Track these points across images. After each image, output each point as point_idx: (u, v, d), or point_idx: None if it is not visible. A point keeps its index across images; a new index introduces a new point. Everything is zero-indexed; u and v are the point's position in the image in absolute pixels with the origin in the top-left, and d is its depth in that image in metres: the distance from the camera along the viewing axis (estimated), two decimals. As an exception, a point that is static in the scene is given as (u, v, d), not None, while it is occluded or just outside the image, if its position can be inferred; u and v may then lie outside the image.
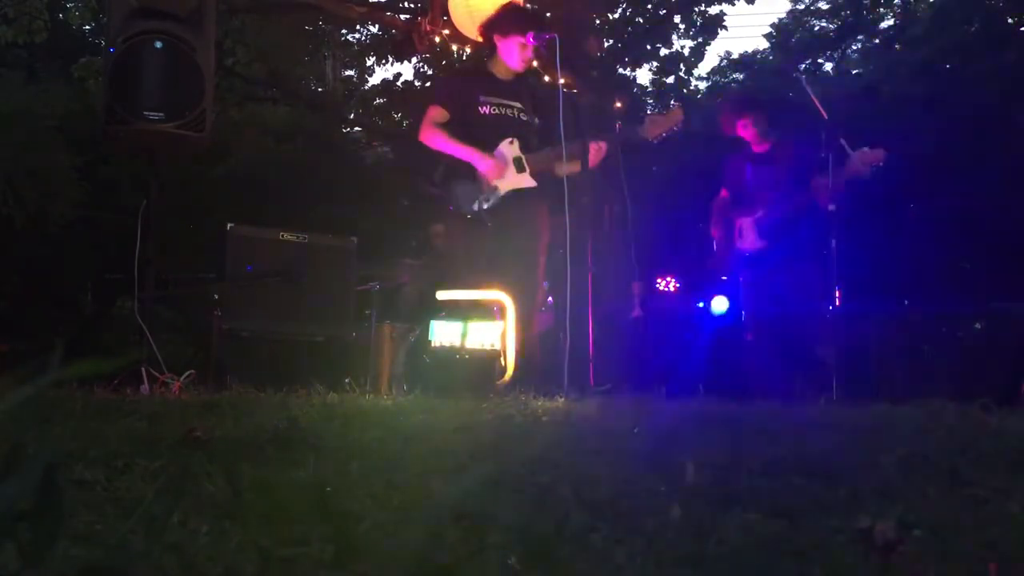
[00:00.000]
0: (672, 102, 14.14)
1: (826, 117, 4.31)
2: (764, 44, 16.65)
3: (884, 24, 14.27)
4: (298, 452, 1.77)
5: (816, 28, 15.61)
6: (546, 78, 5.04)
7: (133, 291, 3.87)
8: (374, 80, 13.19)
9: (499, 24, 4.17)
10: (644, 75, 16.43)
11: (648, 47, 11.40)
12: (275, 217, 5.70)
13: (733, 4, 10.98)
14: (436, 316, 3.90)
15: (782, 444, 1.81)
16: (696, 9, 11.26)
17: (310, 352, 4.82)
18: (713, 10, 11.31)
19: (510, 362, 3.73)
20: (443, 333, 3.79)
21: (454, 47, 7.45)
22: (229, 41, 8.86)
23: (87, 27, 10.30)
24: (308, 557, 0.89)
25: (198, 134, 3.84)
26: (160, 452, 1.74)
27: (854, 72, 13.84)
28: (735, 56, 16.83)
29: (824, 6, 15.48)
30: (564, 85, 4.09)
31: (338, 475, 1.57)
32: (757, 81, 14.78)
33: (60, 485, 0.79)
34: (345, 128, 11.86)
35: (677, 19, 11.29)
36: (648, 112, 4.38)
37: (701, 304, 6.64)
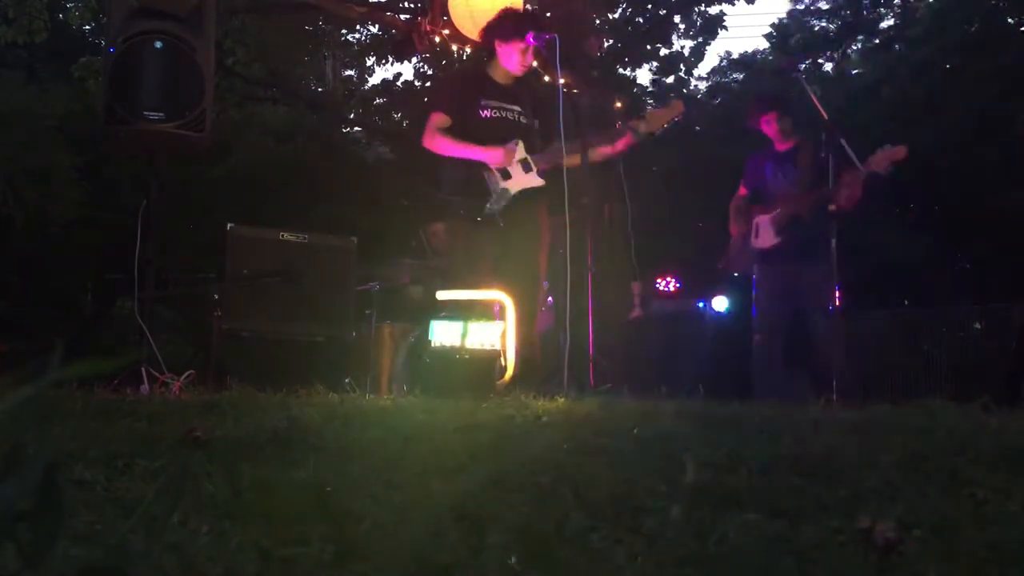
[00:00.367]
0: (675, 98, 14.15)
1: (826, 117, 4.31)
2: (764, 44, 16.66)
3: (884, 24, 14.28)
4: (298, 452, 1.77)
5: (816, 28, 15.61)
6: (546, 78, 5.04)
7: (133, 291, 3.87)
8: (374, 80, 13.22)
9: (499, 29, 4.18)
10: (644, 75, 16.44)
11: (648, 47, 11.40)
12: (275, 217, 5.71)
13: (733, 4, 11.01)
14: (436, 316, 3.90)
15: (782, 444, 1.81)
16: (696, 9, 11.27)
17: (310, 352, 4.82)
18: (713, 10, 11.34)
19: (510, 362, 3.73)
20: (443, 333, 3.79)
21: (454, 47, 7.45)
22: (229, 41, 8.86)
23: (87, 27, 10.31)
24: (308, 557, 0.89)
25: (198, 134, 3.84)
26: (160, 452, 1.74)
27: (854, 72, 13.84)
28: (735, 56, 16.85)
29: (824, 6, 15.48)
30: (564, 85, 4.09)
31: (338, 475, 1.57)
32: (757, 81, 14.79)
33: (60, 485, 0.79)
34: (345, 128, 11.86)
35: (677, 19, 11.30)
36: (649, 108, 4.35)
37: (701, 304, 6.65)
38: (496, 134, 4.05)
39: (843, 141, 4.18)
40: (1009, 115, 8.12)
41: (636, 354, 5.89)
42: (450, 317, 3.82)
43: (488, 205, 3.97)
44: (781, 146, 4.70)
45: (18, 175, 5.31)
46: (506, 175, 4.01)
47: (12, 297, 6.30)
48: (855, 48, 15.09)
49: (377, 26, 10.65)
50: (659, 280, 6.99)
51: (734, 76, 16.59)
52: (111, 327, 6.83)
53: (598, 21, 8.73)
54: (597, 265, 4.10)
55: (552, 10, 6.99)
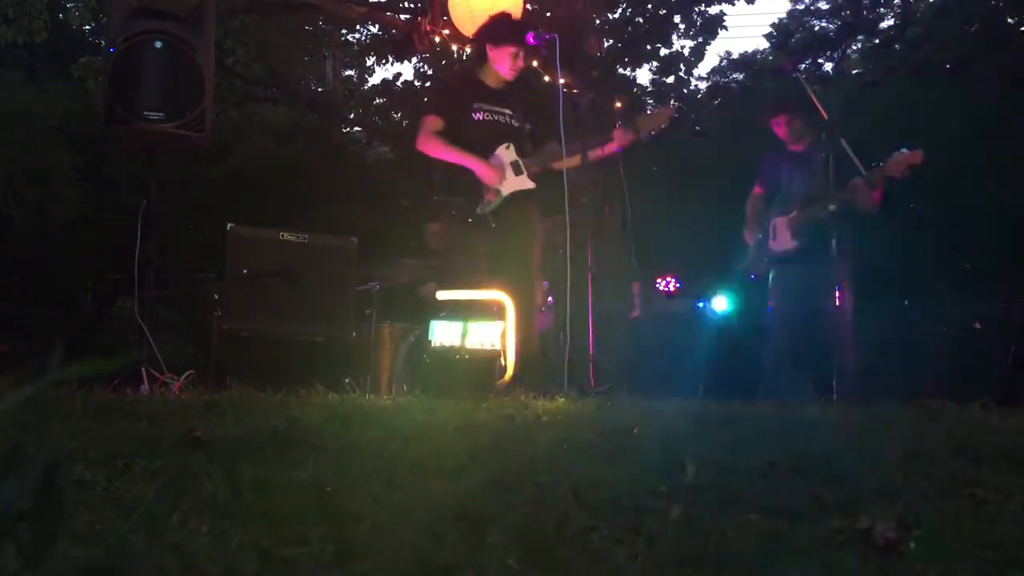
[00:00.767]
0: (672, 101, 14.15)
1: (826, 117, 4.31)
2: (764, 44, 16.65)
3: (884, 24, 14.28)
4: (298, 452, 1.77)
5: (816, 28, 15.61)
6: (546, 78, 5.04)
7: (133, 291, 3.87)
8: (374, 80, 13.21)
9: (491, 33, 4.23)
10: (644, 75, 16.44)
11: (648, 47, 11.40)
12: (275, 217, 5.71)
13: (733, 4, 11.00)
14: (436, 316, 3.90)
15: (782, 444, 1.81)
16: (696, 9, 11.26)
17: (310, 352, 4.82)
18: (713, 10, 11.33)
19: (510, 362, 3.74)
20: (443, 333, 3.80)
21: (454, 47, 7.45)
22: (229, 41, 8.85)
23: (87, 27, 10.29)
24: (308, 557, 0.89)
25: (198, 134, 3.84)
26: (160, 452, 1.74)
27: (854, 72, 13.84)
28: (735, 56, 16.84)
29: (824, 6, 15.47)
30: (564, 85, 4.10)
31: (338, 475, 1.57)
32: (757, 81, 14.79)
33: (60, 485, 0.79)
34: (345, 128, 11.85)
35: (677, 19, 11.30)
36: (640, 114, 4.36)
37: (702, 304, 6.64)
38: (488, 137, 4.09)
39: (843, 141, 4.17)
40: (1009, 115, 8.12)
41: (636, 354, 5.88)
42: (450, 317, 3.83)
43: (480, 206, 4.00)
44: (795, 147, 4.70)
45: (18, 175, 5.30)
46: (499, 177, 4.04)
47: (12, 297, 6.30)
48: (855, 48, 15.09)
49: (377, 26, 10.65)
50: (659, 280, 6.98)
51: (734, 76, 16.58)
52: (111, 327, 6.83)
53: (598, 21, 8.73)
54: (597, 265, 4.11)
55: (552, 10, 6.99)
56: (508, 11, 4.62)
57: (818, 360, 4.39)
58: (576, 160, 4.06)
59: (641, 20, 10.46)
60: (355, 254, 5.01)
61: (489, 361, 3.72)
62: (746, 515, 1.31)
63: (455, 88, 4.36)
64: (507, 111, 4.20)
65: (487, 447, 1.84)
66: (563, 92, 4.07)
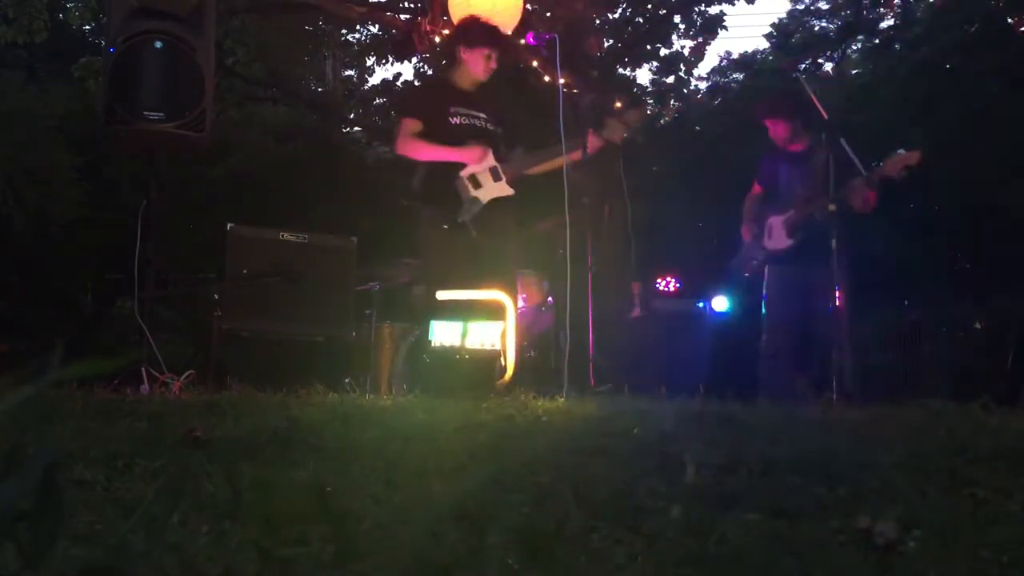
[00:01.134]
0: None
1: (826, 117, 4.30)
2: (764, 44, 16.65)
3: (884, 24, 14.27)
4: (298, 452, 1.77)
5: (816, 28, 15.60)
6: (546, 78, 5.05)
7: (133, 291, 3.87)
8: (374, 80, 13.20)
9: (465, 35, 4.28)
10: (644, 75, 16.43)
11: (648, 47, 11.39)
12: (275, 217, 5.71)
13: (733, 4, 10.98)
14: (436, 316, 3.90)
15: (782, 444, 1.81)
16: (696, 9, 11.25)
17: (310, 352, 4.82)
18: (713, 10, 11.31)
19: (510, 362, 3.74)
20: (443, 333, 3.80)
21: (454, 47, 7.44)
22: (229, 41, 8.85)
23: (87, 27, 10.29)
24: (308, 557, 0.89)
25: (198, 134, 3.84)
26: (160, 452, 1.74)
27: (854, 72, 13.84)
28: (735, 56, 16.84)
29: (824, 6, 15.46)
30: (564, 85, 4.11)
31: (338, 475, 1.57)
32: (757, 81, 14.78)
33: (60, 485, 0.79)
34: (345, 128, 11.85)
35: (677, 19, 11.29)
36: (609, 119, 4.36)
37: (702, 304, 6.64)
38: (464, 141, 4.11)
39: (843, 141, 4.17)
40: (1009, 115, 8.11)
41: (636, 354, 5.88)
42: (450, 317, 3.83)
43: (460, 214, 4.01)
44: (794, 147, 4.70)
45: (18, 175, 5.30)
46: (476, 184, 4.06)
47: (12, 297, 6.30)
48: (855, 48, 15.08)
49: (377, 26, 10.64)
50: (659, 280, 6.98)
51: (734, 76, 16.57)
52: (111, 327, 6.83)
53: (598, 21, 8.72)
54: (597, 265, 4.11)
55: (552, 10, 6.99)
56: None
57: (812, 360, 4.39)
58: (551, 165, 4.10)
59: (641, 20, 10.45)
60: (355, 254, 5.01)
61: (489, 361, 3.72)
62: (746, 515, 1.31)
63: (431, 92, 4.37)
64: (482, 115, 4.22)
65: (487, 447, 1.84)
66: (563, 92, 4.08)
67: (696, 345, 6.20)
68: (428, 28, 6.48)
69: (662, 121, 13.34)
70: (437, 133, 4.09)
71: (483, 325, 3.77)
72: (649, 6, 10.21)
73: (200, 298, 5.38)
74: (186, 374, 3.61)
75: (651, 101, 13.36)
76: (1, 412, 0.74)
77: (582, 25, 7.32)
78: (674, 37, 11.62)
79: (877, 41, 14.05)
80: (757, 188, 4.88)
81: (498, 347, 3.74)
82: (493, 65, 4.22)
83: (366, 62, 12.61)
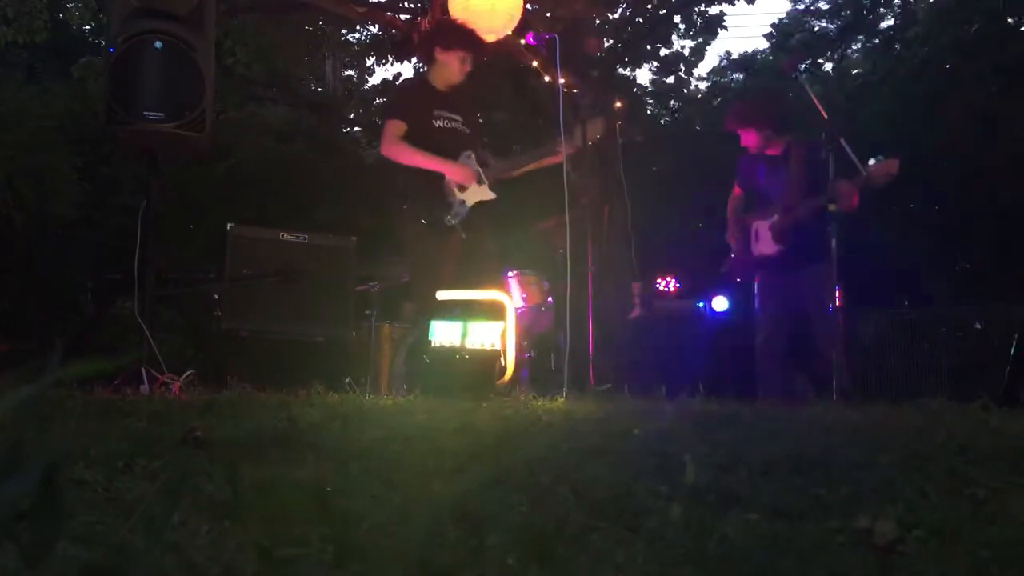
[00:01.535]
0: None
1: (826, 117, 4.30)
2: (764, 44, 16.66)
3: (884, 24, 14.28)
4: (298, 452, 1.77)
5: (816, 28, 15.60)
6: (546, 78, 5.05)
7: (133, 291, 3.87)
8: (374, 80, 13.21)
9: (442, 36, 4.28)
10: (644, 75, 16.44)
11: (648, 47, 11.39)
12: (275, 217, 5.71)
13: (733, 4, 10.97)
14: (436, 316, 3.90)
15: (782, 444, 1.81)
16: (696, 9, 11.25)
17: (310, 352, 4.82)
18: (713, 10, 11.31)
19: (510, 362, 3.74)
20: (443, 333, 3.80)
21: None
22: (229, 41, 8.85)
23: (87, 27, 10.30)
24: (308, 557, 0.89)
25: (198, 134, 3.84)
26: (160, 452, 1.74)
27: (854, 72, 13.84)
28: (735, 56, 16.85)
29: (824, 6, 15.47)
30: (564, 85, 4.11)
31: (338, 475, 1.57)
32: (757, 81, 14.78)
33: (60, 485, 0.79)
34: (345, 128, 11.85)
35: (677, 19, 11.28)
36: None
37: (702, 304, 6.65)
38: (448, 144, 4.13)
39: (843, 141, 4.16)
40: (1009, 115, 8.11)
41: (636, 354, 5.88)
42: (450, 317, 3.83)
43: (448, 218, 4.02)
44: (771, 150, 4.68)
45: (18, 175, 5.30)
46: (462, 188, 4.06)
47: (12, 297, 6.29)
48: (855, 48, 15.09)
49: (377, 26, 10.64)
50: (659, 280, 6.98)
51: (734, 76, 16.59)
52: (111, 327, 6.82)
53: (598, 21, 8.71)
54: (597, 265, 4.12)
55: (552, 10, 6.99)
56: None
57: (809, 362, 4.39)
58: (527, 169, 4.19)
59: (641, 20, 10.44)
60: (355, 254, 5.02)
61: (489, 361, 3.72)
62: (746, 515, 1.31)
63: (416, 94, 4.35)
64: (458, 117, 4.23)
65: (487, 447, 1.84)
66: (563, 92, 4.08)
67: (696, 345, 6.20)
68: (428, 28, 6.48)
69: (662, 121, 13.35)
70: (421, 135, 4.08)
71: (483, 325, 3.77)
72: (649, 6, 10.20)
73: (200, 298, 5.38)
74: (186, 374, 3.61)
75: (651, 101, 13.37)
76: (1, 412, 0.74)
77: (582, 25, 7.31)
78: (674, 37, 11.63)
79: (877, 41, 14.05)
80: (737, 190, 4.85)
81: (498, 347, 3.74)
82: (468, 68, 4.23)
83: (366, 62, 12.60)
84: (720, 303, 6.50)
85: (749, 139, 4.68)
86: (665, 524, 1.24)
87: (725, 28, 11.52)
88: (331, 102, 11.99)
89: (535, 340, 4.78)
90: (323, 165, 7.55)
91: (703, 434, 1.96)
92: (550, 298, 5.00)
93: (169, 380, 3.53)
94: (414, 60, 10.73)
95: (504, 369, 3.73)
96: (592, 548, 1.16)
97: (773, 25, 16.29)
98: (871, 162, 4.15)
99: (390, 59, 11.27)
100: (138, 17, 3.80)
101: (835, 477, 1.53)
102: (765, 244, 4.64)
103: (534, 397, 3.01)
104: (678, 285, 7.03)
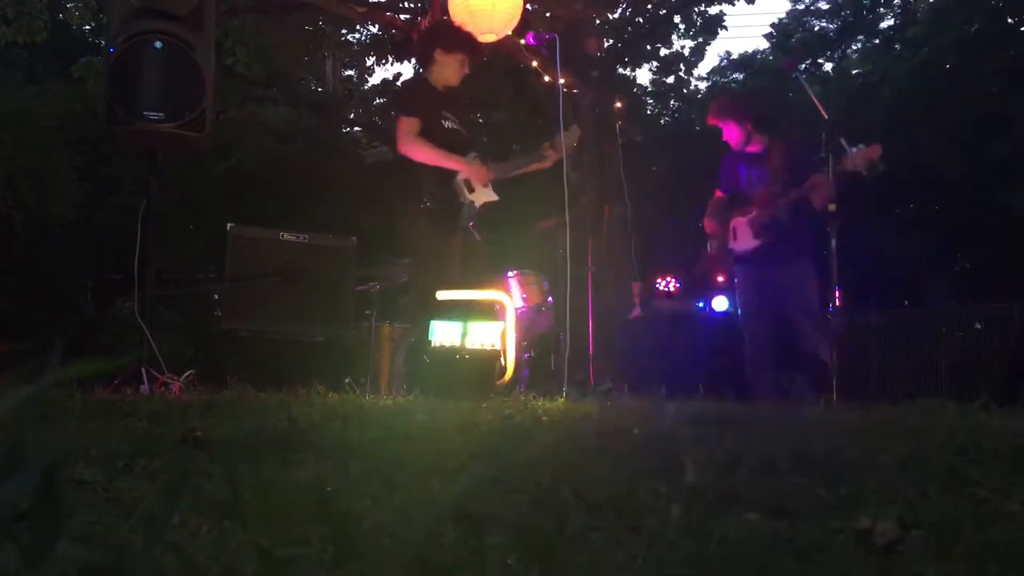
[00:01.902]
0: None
1: (826, 117, 4.30)
2: (764, 44, 16.67)
3: (884, 24, 14.28)
4: (298, 452, 1.77)
5: (816, 28, 15.61)
6: (546, 78, 5.05)
7: (133, 291, 3.87)
8: (374, 80, 13.22)
9: (443, 38, 4.31)
10: (644, 75, 16.44)
11: (648, 47, 11.40)
12: (275, 217, 5.71)
13: (733, 4, 10.99)
14: (436, 316, 3.90)
15: (782, 444, 1.81)
16: (696, 9, 11.26)
17: (310, 352, 4.82)
18: (713, 10, 11.33)
19: (510, 362, 3.74)
20: (443, 333, 3.80)
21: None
22: (229, 41, 8.86)
23: (87, 27, 10.30)
24: (308, 557, 0.89)
25: (198, 134, 3.84)
26: (160, 452, 1.74)
27: (854, 72, 13.84)
28: (735, 56, 16.86)
29: (824, 6, 15.48)
30: (564, 85, 4.11)
31: (338, 475, 1.57)
32: (757, 81, 14.79)
33: (60, 485, 0.79)
34: (345, 128, 11.85)
35: (677, 19, 11.29)
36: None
37: (701, 304, 6.65)
38: (453, 145, 4.13)
39: (843, 141, 4.16)
40: (1009, 115, 8.12)
41: (636, 354, 5.88)
42: (450, 317, 3.83)
43: (461, 218, 4.07)
44: (752, 148, 4.67)
45: (18, 175, 5.30)
46: (471, 188, 4.07)
47: (12, 297, 6.29)
48: (855, 48, 15.09)
49: (377, 26, 10.64)
50: (659, 280, 6.98)
51: (734, 76, 16.60)
52: (111, 327, 6.82)
53: (598, 21, 8.72)
54: (597, 265, 4.12)
55: (552, 10, 6.99)
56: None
57: (796, 357, 4.37)
58: (521, 171, 4.24)
59: (641, 20, 10.45)
60: (355, 254, 5.02)
61: (489, 361, 3.72)
62: (746, 515, 1.31)
63: (425, 92, 4.35)
64: (457, 119, 4.26)
65: (487, 447, 1.84)
66: (563, 92, 4.08)
67: (696, 345, 6.20)
68: (427, 28, 6.48)
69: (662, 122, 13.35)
70: (431, 135, 4.08)
71: (483, 325, 3.77)
72: (649, 6, 10.21)
73: (200, 298, 5.38)
74: (186, 374, 3.61)
75: (651, 101, 13.37)
76: (1, 412, 0.74)
77: (582, 25, 7.32)
78: (674, 37, 11.64)
79: (877, 41, 14.06)
80: (719, 193, 4.83)
81: (498, 347, 3.75)
82: (466, 71, 4.26)
83: (366, 62, 12.62)
84: (720, 303, 6.50)
85: (730, 133, 4.67)
86: (665, 524, 1.24)
87: (725, 28, 11.55)
88: (331, 102, 12.00)
89: (535, 340, 4.79)
90: (323, 165, 7.56)
91: (703, 434, 1.96)
92: (550, 298, 5.00)
93: (169, 380, 3.53)
94: (413, 60, 10.75)
95: (504, 369, 3.73)
96: (592, 548, 1.16)
97: (773, 25, 16.31)
98: (852, 150, 4.13)
99: (390, 59, 11.28)
100: (138, 17, 3.80)
101: (835, 477, 1.53)
102: (743, 240, 4.62)
103: (534, 397, 3.01)
104: (678, 285, 7.03)
